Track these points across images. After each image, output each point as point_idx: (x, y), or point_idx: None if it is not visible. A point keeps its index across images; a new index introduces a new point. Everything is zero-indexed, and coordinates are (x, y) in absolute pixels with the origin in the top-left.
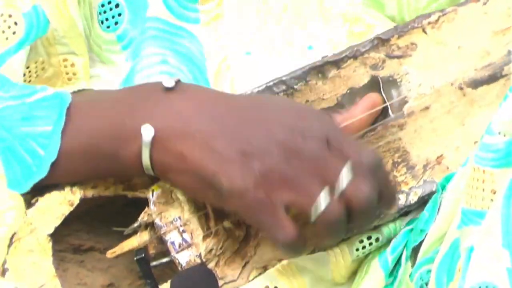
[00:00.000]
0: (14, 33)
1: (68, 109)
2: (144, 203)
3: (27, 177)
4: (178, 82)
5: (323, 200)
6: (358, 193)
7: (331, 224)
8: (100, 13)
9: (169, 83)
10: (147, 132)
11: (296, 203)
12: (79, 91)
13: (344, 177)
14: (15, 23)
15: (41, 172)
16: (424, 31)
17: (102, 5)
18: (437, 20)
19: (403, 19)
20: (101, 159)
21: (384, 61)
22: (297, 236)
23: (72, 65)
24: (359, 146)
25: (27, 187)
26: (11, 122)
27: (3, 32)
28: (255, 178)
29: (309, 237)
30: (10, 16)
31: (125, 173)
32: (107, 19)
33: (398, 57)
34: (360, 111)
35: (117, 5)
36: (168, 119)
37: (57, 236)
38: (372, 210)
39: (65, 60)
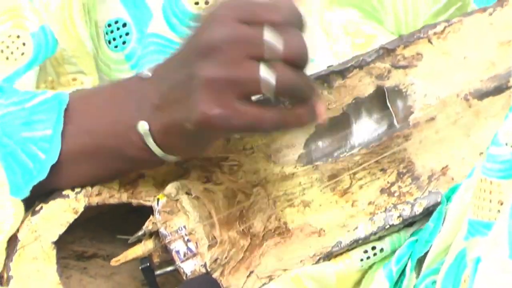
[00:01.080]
0: (22, 54)
1: (67, 110)
2: (148, 210)
3: (27, 182)
4: (155, 68)
5: (263, 70)
6: (294, 45)
7: (292, 87)
8: (107, 33)
9: (144, 75)
10: (143, 127)
11: (245, 89)
12: (76, 90)
13: (270, 35)
14: (24, 44)
15: (41, 175)
16: (429, 41)
17: (109, 25)
18: (443, 31)
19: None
20: (106, 156)
21: (389, 71)
22: (278, 114)
23: (81, 84)
24: (267, 5)
25: (27, 191)
26: (12, 128)
27: (12, 53)
28: (201, 99)
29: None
30: (18, 37)
31: (134, 166)
32: (114, 39)
33: (404, 67)
34: None
35: (124, 25)
36: (149, 105)
37: (60, 243)
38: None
39: (74, 79)
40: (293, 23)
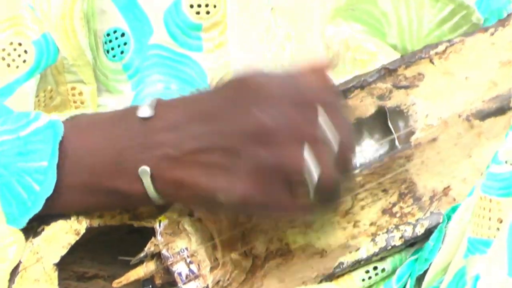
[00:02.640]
0: (24, 61)
1: (62, 141)
2: (149, 230)
3: (22, 213)
4: (157, 104)
5: (308, 159)
6: (348, 143)
7: (332, 187)
8: (105, 43)
9: (145, 112)
10: (144, 174)
11: (289, 178)
12: (71, 117)
13: (324, 127)
14: (25, 52)
15: (36, 208)
16: (431, 61)
17: (108, 34)
18: (444, 51)
19: (404, 47)
20: (101, 193)
21: (391, 91)
22: (309, 207)
23: (80, 93)
24: (320, 88)
25: (24, 222)
26: (7, 158)
27: (13, 60)
28: (247, 183)
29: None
30: (20, 44)
31: (130, 205)
32: (112, 49)
33: (405, 87)
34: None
35: (122, 34)
36: (157, 154)
37: (61, 263)
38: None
39: (73, 88)
40: (336, 106)
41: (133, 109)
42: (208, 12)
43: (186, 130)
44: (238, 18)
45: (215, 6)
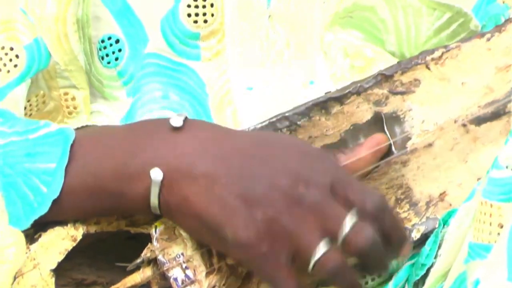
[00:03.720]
0: (15, 66)
1: (72, 146)
2: (146, 237)
3: (28, 214)
4: (185, 119)
5: (321, 249)
6: (358, 238)
7: (329, 273)
8: (100, 49)
9: (177, 122)
10: (156, 175)
11: (298, 253)
12: (82, 127)
13: (347, 224)
14: (17, 56)
15: (42, 209)
16: (427, 67)
17: (102, 41)
18: (440, 56)
19: (402, 54)
20: (105, 198)
21: (387, 97)
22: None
23: (73, 98)
24: (364, 190)
25: (28, 223)
26: (15, 158)
27: (5, 65)
28: (258, 230)
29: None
30: (11, 49)
31: (129, 211)
32: (107, 55)
33: (402, 93)
34: (364, 150)
35: (117, 41)
36: (174, 161)
37: (59, 270)
38: (380, 255)
39: (66, 93)
40: (375, 219)
41: (158, 120)
42: (205, 21)
43: (216, 155)
44: (236, 26)
45: (212, 15)
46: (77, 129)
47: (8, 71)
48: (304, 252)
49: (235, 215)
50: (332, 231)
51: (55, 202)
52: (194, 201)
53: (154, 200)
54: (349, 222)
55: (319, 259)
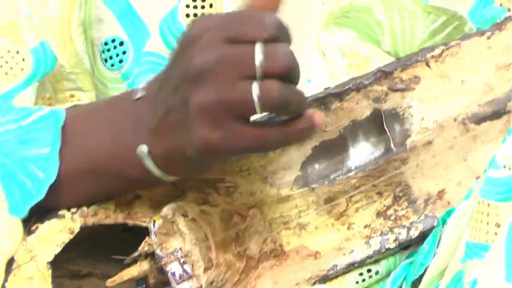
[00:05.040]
0: (22, 69)
1: (63, 128)
2: (143, 229)
3: (26, 201)
4: (145, 86)
5: (254, 89)
6: (277, 59)
7: (279, 101)
8: (103, 52)
9: (138, 93)
10: (143, 150)
11: (238, 109)
12: (73, 106)
13: (259, 52)
14: (23, 59)
15: (40, 195)
16: (427, 64)
17: (106, 43)
18: (440, 54)
19: (398, 56)
20: (105, 177)
21: (387, 94)
22: (276, 136)
23: (79, 101)
24: (259, 20)
25: (25, 211)
26: (10, 146)
27: (11, 68)
28: (198, 128)
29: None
30: (17, 52)
31: (134, 187)
32: (111, 57)
33: (401, 90)
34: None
35: (121, 43)
36: (147, 129)
37: (55, 262)
38: (298, 74)
39: (71, 96)
40: (280, 38)
41: (128, 93)
42: None
43: (156, 99)
44: None
45: None
46: (67, 108)
47: (15, 75)
48: (243, 102)
49: (181, 134)
50: (249, 71)
51: (53, 187)
52: (170, 148)
53: (157, 171)
54: (258, 50)
55: (260, 98)
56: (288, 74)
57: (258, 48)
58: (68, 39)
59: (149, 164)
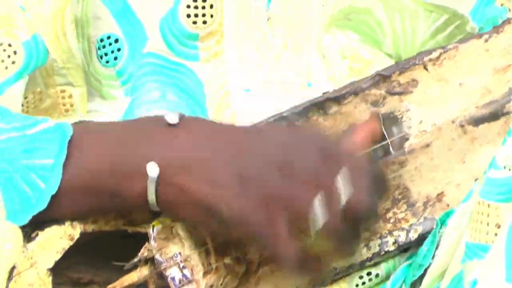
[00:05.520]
0: (13, 62)
1: (70, 142)
2: (143, 236)
3: (26, 210)
4: (181, 117)
5: (318, 205)
6: (360, 202)
7: (332, 231)
8: (99, 48)
9: (173, 119)
10: (153, 170)
11: (295, 215)
12: (80, 122)
13: (341, 184)
14: (15, 53)
15: (41, 205)
16: (425, 67)
17: (101, 40)
18: (438, 57)
19: (399, 57)
20: (103, 195)
21: (385, 98)
22: (295, 251)
23: (70, 96)
24: (352, 152)
25: (26, 219)
26: (12, 154)
27: (3, 61)
28: (253, 200)
29: (316, 249)
30: (9, 45)
31: (127, 208)
32: (106, 54)
33: (399, 93)
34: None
35: (116, 40)
36: (171, 155)
37: (56, 269)
38: (375, 204)
39: (62, 91)
40: (365, 176)
41: (154, 117)
42: (205, 22)
43: (210, 147)
44: (235, 27)
45: (212, 16)
46: (74, 124)
47: (6, 67)
48: (300, 212)
49: (229, 191)
50: (324, 188)
51: (53, 198)
52: (190, 188)
53: (151, 196)
54: (342, 177)
55: (316, 215)
56: (354, 214)
57: (341, 175)
58: (61, 34)
59: (151, 184)
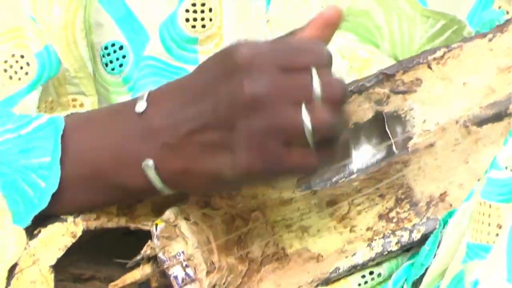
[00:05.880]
0: (26, 73)
1: (63, 136)
2: (145, 233)
3: (29, 210)
4: (148, 98)
5: (304, 114)
6: (333, 87)
7: (330, 127)
8: (103, 56)
9: (141, 107)
10: (149, 166)
11: (288, 135)
12: (68, 115)
13: (315, 84)
14: (27, 64)
15: (42, 204)
16: (429, 66)
17: (106, 48)
18: (442, 56)
19: (396, 60)
20: (106, 186)
21: (388, 97)
22: (317, 158)
23: (81, 105)
24: (309, 48)
25: (29, 220)
26: (10, 156)
27: (16, 72)
28: (245, 152)
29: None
30: (22, 56)
31: (135, 198)
32: (111, 62)
33: (403, 92)
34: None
35: (121, 47)
36: (156, 143)
37: (57, 266)
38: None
39: (74, 100)
40: (326, 65)
41: (129, 104)
42: (203, 26)
43: (178, 115)
44: (234, 30)
45: (211, 19)
46: (65, 116)
47: (19, 79)
48: (294, 129)
49: (220, 155)
50: (305, 97)
51: (54, 196)
52: (188, 167)
53: (159, 185)
54: (315, 80)
55: (313, 124)
56: (339, 100)
57: (316, 77)
58: (72, 43)
59: (153, 176)
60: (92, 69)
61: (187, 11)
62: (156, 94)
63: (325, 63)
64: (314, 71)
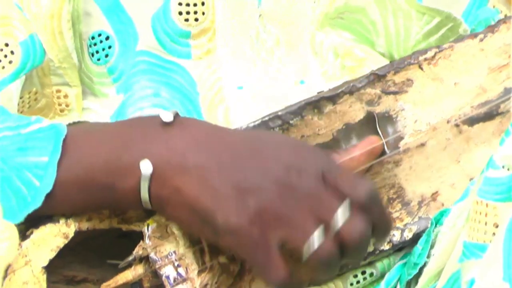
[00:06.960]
0: (10, 62)
1: (64, 140)
2: (138, 234)
3: (21, 208)
4: (176, 115)
5: (316, 239)
6: (353, 232)
7: (322, 262)
8: (90, 46)
9: (167, 117)
10: (146, 167)
11: (290, 241)
12: (74, 123)
13: (340, 216)
14: (12, 52)
15: (36, 203)
16: (420, 67)
17: (93, 38)
18: (433, 56)
19: (392, 57)
20: (97, 192)
21: (380, 97)
22: (289, 277)
23: (65, 96)
24: (355, 181)
25: (22, 217)
26: (7, 152)
27: (0, 61)
28: (249, 216)
29: (303, 275)
30: (6, 45)
31: (121, 206)
32: (97, 52)
33: (394, 93)
34: (358, 151)
35: (107, 38)
36: (166, 154)
37: (50, 267)
38: (365, 246)
39: (58, 91)
40: (365, 208)
41: (149, 117)
42: (196, 19)
43: (207, 149)
44: (227, 24)
45: (203, 13)
46: (68, 125)
47: (3, 67)
48: (297, 240)
49: (226, 202)
50: (324, 220)
51: (48, 196)
52: (185, 191)
53: (144, 194)
54: (342, 212)
55: (311, 247)
56: (350, 245)
57: (346, 210)
58: (58, 33)
59: (144, 181)
60: (77, 60)
61: (180, 4)
62: (188, 120)
63: (362, 203)
64: (346, 204)
